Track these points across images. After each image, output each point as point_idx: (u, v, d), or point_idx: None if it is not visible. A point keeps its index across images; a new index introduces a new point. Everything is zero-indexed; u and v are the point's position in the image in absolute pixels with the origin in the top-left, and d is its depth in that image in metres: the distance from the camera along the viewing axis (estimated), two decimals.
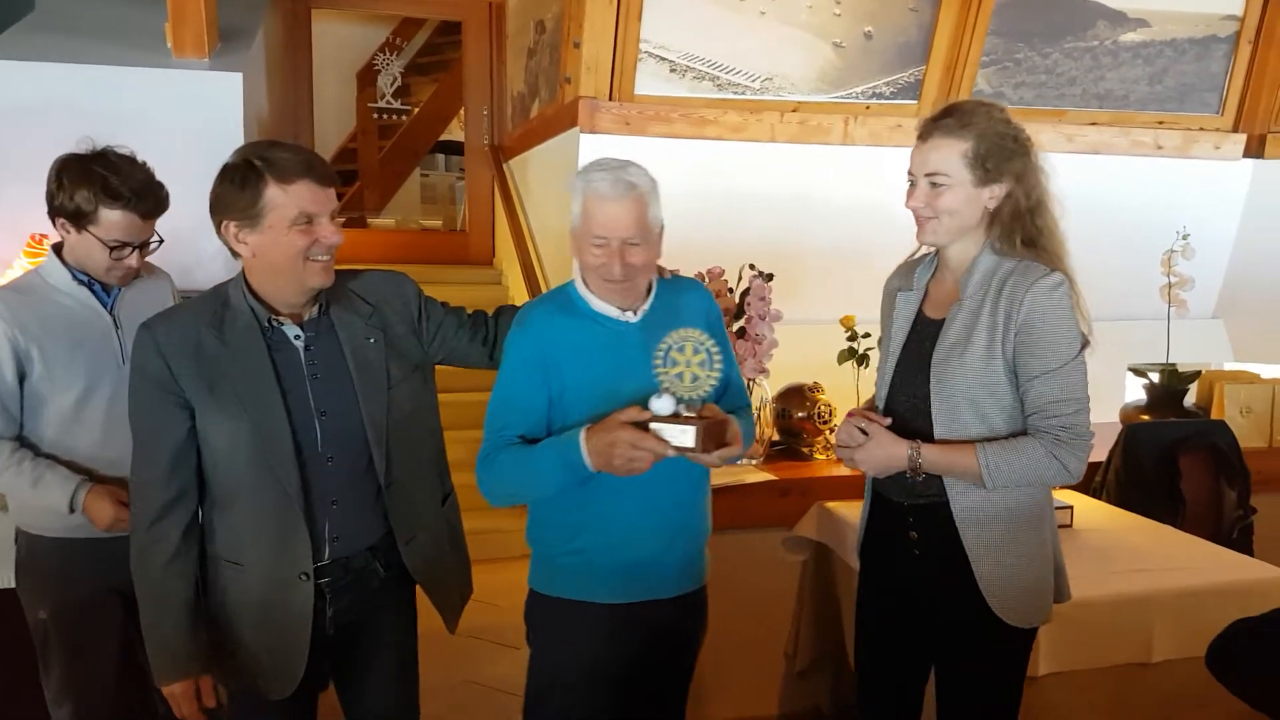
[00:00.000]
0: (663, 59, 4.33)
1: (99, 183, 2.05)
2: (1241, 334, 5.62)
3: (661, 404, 1.75)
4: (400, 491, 1.89)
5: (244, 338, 1.77)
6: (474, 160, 7.09)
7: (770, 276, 3.28)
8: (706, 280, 3.26)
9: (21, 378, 2.07)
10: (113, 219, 2.06)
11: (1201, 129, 5.12)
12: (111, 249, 2.08)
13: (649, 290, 1.95)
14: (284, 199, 1.72)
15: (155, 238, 2.17)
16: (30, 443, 2.12)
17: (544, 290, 5.43)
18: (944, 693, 1.99)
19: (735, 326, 3.24)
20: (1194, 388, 3.84)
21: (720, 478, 3.04)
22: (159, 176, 2.22)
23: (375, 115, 8.06)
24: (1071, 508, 2.85)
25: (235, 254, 1.80)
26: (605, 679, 1.92)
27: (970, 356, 1.84)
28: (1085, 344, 1.84)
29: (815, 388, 3.37)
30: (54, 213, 2.12)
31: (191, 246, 3.94)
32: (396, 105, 7.66)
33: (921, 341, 1.94)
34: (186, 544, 1.78)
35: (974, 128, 1.85)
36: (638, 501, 1.88)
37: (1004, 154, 1.86)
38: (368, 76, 8.28)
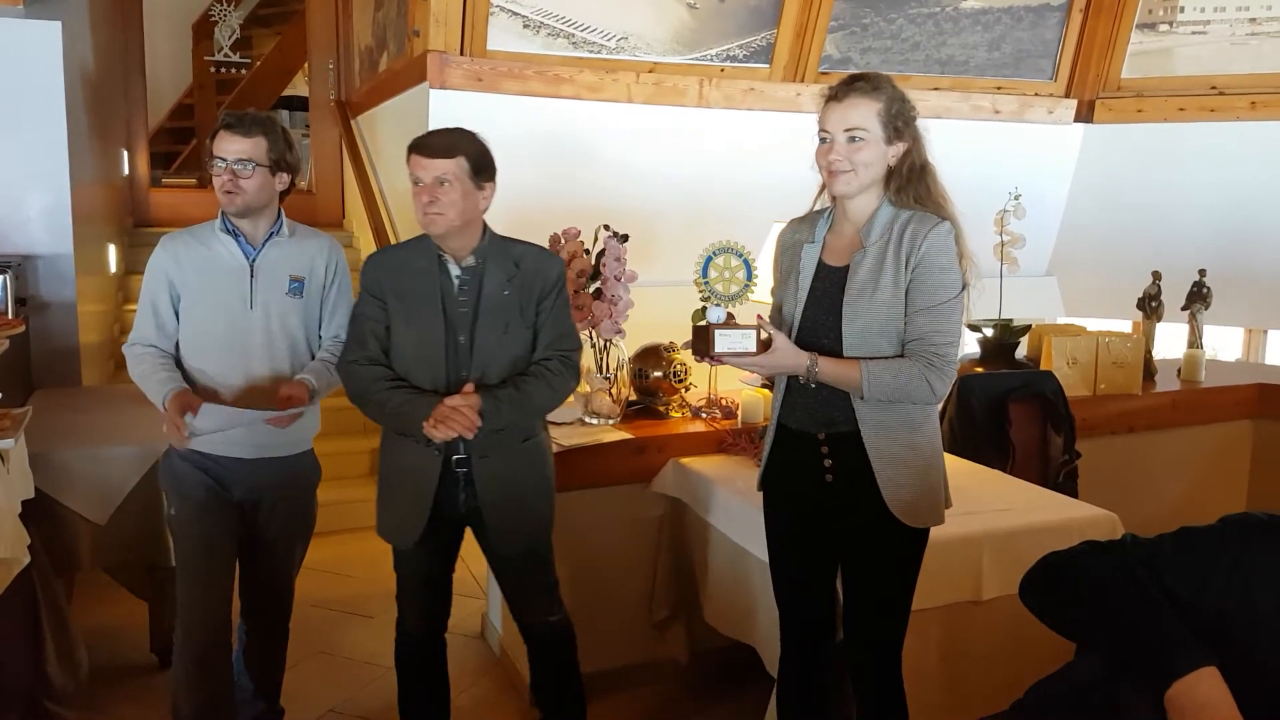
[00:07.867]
0: (515, 14, 4.25)
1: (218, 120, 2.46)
2: (1072, 290, 5.95)
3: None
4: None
5: (426, 269, 2.33)
6: (320, 116, 6.84)
7: (625, 237, 3.28)
8: (562, 241, 3.24)
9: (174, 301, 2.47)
10: (217, 140, 2.41)
11: (1036, 94, 5.36)
12: (209, 162, 2.40)
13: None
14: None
15: (255, 164, 2.39)
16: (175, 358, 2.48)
17: None
18: (853, 589, 2.21)
19: (591, 288, 3.24)
20: (1025, 341, 4.05)
21: (578, 438, 3.07)
22: None
23: (213, 69, 7.63)
24: None
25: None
26: None
27: (880, 296, 2.04)
28: (965, 286, 2.06)
29: (671, 347, 3.40)
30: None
31: (9, 208, 3.70)
32: (235, 59, 7.27)
33: (827, 288, 2.12)
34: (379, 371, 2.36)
35: (884, 91, 2.06)
36: None
37: (906, 116, 2.08)
38: (204, 28, 7.85)
